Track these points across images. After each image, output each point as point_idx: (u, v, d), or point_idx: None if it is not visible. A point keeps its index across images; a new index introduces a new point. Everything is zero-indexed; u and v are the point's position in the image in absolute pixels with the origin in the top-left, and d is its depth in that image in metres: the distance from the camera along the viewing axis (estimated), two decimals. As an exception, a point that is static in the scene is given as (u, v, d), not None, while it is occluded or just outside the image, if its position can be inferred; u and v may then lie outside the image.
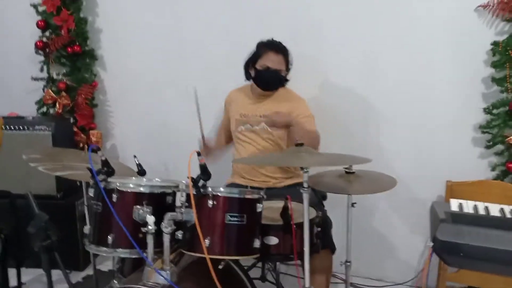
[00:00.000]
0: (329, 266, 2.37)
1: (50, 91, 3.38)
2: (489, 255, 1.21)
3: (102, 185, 1.78)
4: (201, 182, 1.72)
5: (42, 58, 3.42)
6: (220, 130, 2.93)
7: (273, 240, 1.90)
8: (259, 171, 2.58)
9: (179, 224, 1.75)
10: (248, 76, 2.63)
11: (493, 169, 2.63)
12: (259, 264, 2.56)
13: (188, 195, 1.77)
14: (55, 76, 3.44)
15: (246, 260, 2.10)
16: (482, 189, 2.49)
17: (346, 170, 2.05)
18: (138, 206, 1.79)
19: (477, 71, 2.60)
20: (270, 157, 2.30)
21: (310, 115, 2.57)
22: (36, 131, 3.00)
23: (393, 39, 2.75)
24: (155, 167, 2.19)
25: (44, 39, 3.36)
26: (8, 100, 3.57)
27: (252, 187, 2.46)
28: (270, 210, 2.01)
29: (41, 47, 3.35)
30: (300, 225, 1.89)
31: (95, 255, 2.52)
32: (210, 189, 1.74)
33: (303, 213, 1.98)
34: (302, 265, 1.96)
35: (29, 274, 2.87)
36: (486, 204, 1.49)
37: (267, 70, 2.50)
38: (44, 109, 3.46)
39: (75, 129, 3.35)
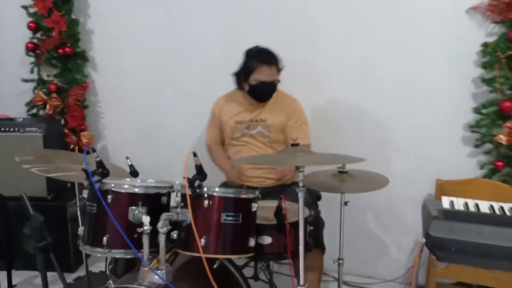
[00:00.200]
0: (320, 265, 2.41)
1: (40, 92, 3.37)
2: (480, 250, 1.24)
3: (97, 186, 1.78)
4: (197, 182, 1.73)
5: (32, 59, 3.40)
6: (213, 146, 2.79)
7: (267, 240, 1.92)
8: (254, 174, 2.59)
9: (174, 224, 1.77)
10: (240, 87, 2.61)
11: (482, 168, 2.67)
12: (252, 264, 2.58)
13: (183, 195, 1.78)
14: (45, 78, 3.43)
15: (238, 260, 2.11)
16: (471, 187, 2.54)
17: (340, 169, 2.08)
18: (134, 207, 1.80)
19: (467, 72, 2.64)
20: (267, 157, 2.32)
21: (305, 121, 2.63)
22: (27, 133, 2.98)
23: (387, 41, 2.79)
24: (146, 168, 2.20)
25: (35, 41, 3.35)
26: (-1, 102, 3.55)
27: (248, 187, 2.49)
28: (264, 209, 2.02)
29: (31, 48, 3.34)
30: (293, 224, 1.91)
31: (87, 256, 2.52)
32: (205, 189, 1.75)
33: (296, 212, 2.02)
34: (294, 264, 2.00)
35: (20, 276, 2.87)
36: (476, 201, 1.52)
37: (261, 84, 2.49)
38: (35, 110, 3.45)
39: (66, 130, 3.34)
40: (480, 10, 2.53)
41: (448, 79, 2.70)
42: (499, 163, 2.55)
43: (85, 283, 2.80)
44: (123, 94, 3.42)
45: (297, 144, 1.81)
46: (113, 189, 1.81)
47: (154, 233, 1.74)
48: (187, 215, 1.73)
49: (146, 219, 1.71)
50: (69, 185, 3.26)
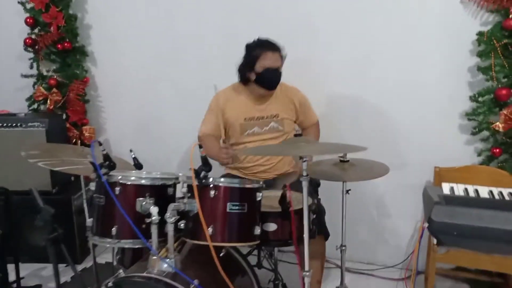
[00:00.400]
0: (323, 252, 2.47)
1: (41, 87, 3.39)
2: (481, 233, 1.29)
3: (105, 178, 1.82)
4: (202, 173, 1.77)
5: (31, 55, 3.42)
6: (209, 136, 2.66)
7: (272, 227, 1.97)
8: (258, 170, 2.62)
9: (181, 214, 1.81)
10: (245, 80, 2.58)
11: (479, 155, 2.71)
12: (255, 252, 2.63)
13: (189, 186, 1.82)
14: (44, 73, 3.45)
15: (242, 248, 2.15)
16: (469, 174, 2.58)
17: (341, 158, 2.12)
18: (141, 198, 1.84)
19: (464, 61, 2.67)
20: (272, 149, 2.36)
21: (309, 101, 2.72)
22: (30, 127, 3.00)
23: (383, 34, 2.81)
24: (147, 161, 2.24)
25: (33, 36, 3.36)
26: (-2, 97, 3.57)
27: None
28: (267, 199, 2.07)
29: (30, 44, 3.35)
30: (297, 212, 1.96)
31: (94, 246, 2.56)
32: (211, 179, 1.79)
33: (300, 200, 2.06)
34: (298, 250, 2.05)
35: (27, 269, 2.91)
36: (476, 187, 1.57)
37: (268, 70, 2.49)
38: (35, 105, 3.47)
39: (67, 125, 3.36)
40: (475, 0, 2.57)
41: (445, 68, 2.73)
42: (496, 150, 2.58)
43: (92, 274, 2.85)
44: (123, 88, 3.44)
45: (300, 134, 1.85)
46: (121, 181, 1.86)
47: (161, 223, 1.79)
48: (194, 205, 1.78)
49: (154, 210, 1.76)
50: (72, 178, 3.30)
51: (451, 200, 1.37)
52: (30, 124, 3.00)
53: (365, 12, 2.83)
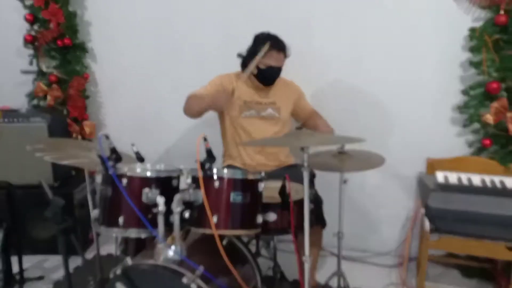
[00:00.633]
0: (320, 241, 2.56)
1: (41, 84, 3.42)
2: (475, 218, 1.37)
3: (113, 170, 1.88)
4: (207, 165, 1.84)
5: (30, 51, 3.45)
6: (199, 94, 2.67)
7: (272, 216, 2.04)
8: (258, 162, 2.69)
9: (186, 204, 1.88)
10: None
11: (470, 146, 2.81)
12: (253, 242, 2.70)
13: (193, 178, 1.89)
14: (44, 69, 3.48)
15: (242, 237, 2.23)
16: (460, 164, 2.66)
17: (339, 150, 2.20)
18: (147, 189, 1.91)
19: (456, 56, 2.76)
20: (274, 140, 2.45)
21: (304, 95, 2.82)
22: (32, 123, 3.05)
23: (378, 27, 2.88)
24: (147, 156, 2.29)
25: (33, 33, 3.40)
26: (-4, 94, 3.60)
27: None
28: (267, 190, 2.13)
29: (30, 40, 3.38)
30: (296, 202, 2.04)
31: (97, 235, 2.62)
32: (215, 171, 1.86)
33: (299, 191, 2.15)
34: (296, 239, 2.13)
35: (28, 261, 2.96)
36: (469, 175, 1.66)
37: (269, 68, 2.56)
38: (35, 101, 3.51)
39: (68, 120, 3.40)
40: (467, -5, 2.65)
41: (437, 63, 2.81)
42: (487, 141, 2.67)
43: (93, 266, 2.91)
44: (122, 84, 3.48)
45: (301, 128, 1.92)
46: (128, 173, 1.91)
47: (167, 213, 1.86)
48: (199, 196, 1.85)
49: (160, 200, 1.82)
50: (73, 172, 3.35)
51: (447, 187, 1.46)
52: (32, 119, 3.05)
53: (360, 7, 2.90)
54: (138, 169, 1.95)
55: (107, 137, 1.92)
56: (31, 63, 3.47)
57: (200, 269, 1.77)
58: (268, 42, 2.53)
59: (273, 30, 2.64)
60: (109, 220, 1.95)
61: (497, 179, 1.59)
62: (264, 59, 2.54)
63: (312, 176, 2.63)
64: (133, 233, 1.93)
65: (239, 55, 2.67)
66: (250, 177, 1.93)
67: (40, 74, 3.47)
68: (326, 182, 2.59)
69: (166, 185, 1.99)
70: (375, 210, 3.18)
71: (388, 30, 2.87)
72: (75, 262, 3.05)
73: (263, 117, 2.70)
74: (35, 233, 3.15)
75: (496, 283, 2.74)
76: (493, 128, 2.66)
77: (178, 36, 3.27)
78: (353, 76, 3.00)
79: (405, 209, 3.07)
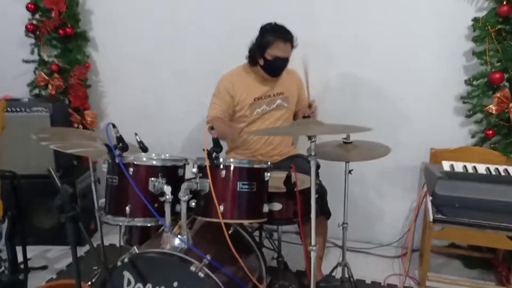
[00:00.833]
0: (325, 230, 2.57)
1: (42, 73, 3.41)
2: (480, 205, 1.39)
3: (119, 159, 1.89)
4: (214, 154, 1.85)
5: (32, 40, 3.43)
6: (218, 119, 2.64)
7: (277, 206, 2.06)
8: (264, 151, 2.70)
9: (192, 193, 1.89)
10: (253, 62, 2.64)
11: (473, 136, 2.82)
12: (256, 233, 2.72)
13: (200, 167, 1.90)
14: (46, 58, 3.46)
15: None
16: (463, 154, 2.69)
17: (344, 140, 2.21)
18: (153, 178, 1.92)
19: (459, 46, 2.76)
20: (281, 129, 2.46)
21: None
22: (34, 112, 3.05)
23: (382, 17, 2.88)
24: (148, 146, 2.30)
25: (34, 22, 3.37)
26: (-2, 83, 3.59)
27: None
28: (271, 180, 2.14)
29: (31, 30, 3.36)
30: (301, 192, 2.06)
31: (102, 224, 2.64)
32: (222, 160, 1.87)
33: (303, 181, 2.16)
34: (301, 229, 2.15)
35: (32, 251, 2.97)
36: (473, 164, 1.67)
37: (276, 59, 2.55)
38: (37, 91, 3.49)
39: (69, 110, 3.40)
40: (470, -14, 2.66)
41: (441, 53, 2.81)
42: (489, 131, 2.69)
43: (97, 256, 2.93)
44: (124, 73, 3.47)
45: (309, 117, 1.93)
46: (134, 162, 1.92)
47: (173, 202, 1.87)
48: (205, 185, 1.86)
49: (167, 189, 1.83)
50: (75, 162, 3.35)
51: (453, 175, 1.47)
52: (34, 109, 3.05)
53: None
54: (144, 158, 1.96)
55: (114, 126, 1.92)
56: (32, 52, 3.45)
57: (207, 257, 1.78)
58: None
59: (276, 20, 2.62)
60: (115, 209, 1.97)
61: (501, 168, 1.61)
62: (271, 49, 2.52)
63: (316, 167, 2.64)
64: (139, 222, 1.95)
65: (249, 51, 2.65)
66: (256, 166, 1.94)
67: (42, 63, 3.45)
68: (329, 173, 2.61)
69: (172, 174, 2.00)
70: (378, 200, 3.20)
71: (392, 21, 2.87)
72: (78, 251, 3.08)
73: (273, 109, 2.69)
74: (38, 223, 3.16)
75: (497, 272, 2.77)
76: (496, 118, 2.68)
77: (180, 25, 3.25)
78: (357, 67, 3.00)
79: (409, 199, 3.10)
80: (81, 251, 3.09)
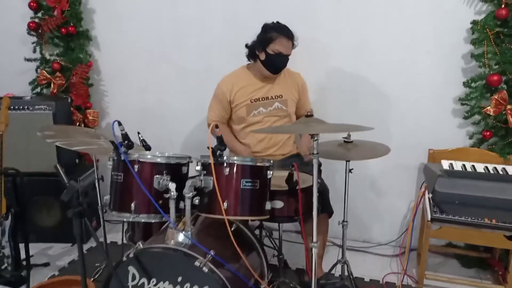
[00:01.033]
0: (326, 228, 2.60)
1: (44, 71, 3.43)
2: (479, 201, 1.43)
3: (126, 156, 1.92)
4: (218, 152, 1.88)
5: (34, 39, 3.45)
6: (221, 124, 2.78)
7: (279, 204, 2.09)
8: (265, 153, 2.73)
9: (196, 190, 1.92)
10: (253, 57, 2.68)
11: (470, 138, 2.85)
12: (256, 231, 2.75)
13: (203, 164, 1.93)
14: (48, 57, 3.48)
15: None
16: (461, 155, 2.70)
17: (345, 139, 2.25)
18: (158, 175, 1.95)
19: (458, 48, 2.80)
20: (285, 127, 2.51)
21: (307, 90, 2.84)
22: (37, 110, 3.07)
23: (381, 18, 2.91)
24: (151, 144, 2.33)
25: (37, 20, 3.39)
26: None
27: None
28: (273, 178, 2.18)
29: (34, 28, 3.38)
30: (303, 190, 2.09)
31: (105, 223, 2.67)
32: (225, 157, 1.91)
33: (305, 180, 2.20)
34: (302, 227, 2.18)
35: (34, 248, 2.99)
36: (472, 163, 1.71)
37: (278, 55, 2.58)
38: (38, 89, 3.51)
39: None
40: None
41: (440, 55, 2.85)
42: (487, 133, 2.72)
43: (97, 254, 2.96)
44: (126, 72, 3.49)
45: (312, 115, 1.97)
46: (139, 159, 1.95)
47: (177, 199, 1.90)
48: (209, 182, 1.89)
49: (172, 186, 1.87)
50: (77, 161, 3.38)
51: (453, 173, 1.51)
52: (37, 107, 3.06)
53: (363, 1, 2.92)
54: (149, 156, 2.00)
55: (119, 123, 1.95)
56: (34, 51, 3.46)
57: (211, 253, 1.81)
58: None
59: (276, 18, 2.66)
60: (120, 205, 2.00)
61: (499, 167, 1.66)
62: (274, 44, 2.56)
63: (318, 165, 2.67)
64: (144, 218, 1.98)
65: (247, 46, 2.69)
66: (259, 164, 1.97)
67: (44, 61, 3.47)
68: (329, 172, 2.64)
69: (176, 172, 2.03)
70: (376, 200, 3.23)
71: (392, 23, 2.90)
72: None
73: (270, 112, 2.71)
74: (39, 221, 3.18)
75: (494, 272, 2.81)
76: (493, 120, 2.71)
77: (182, 24, 3.28)
78: (356, 68, 3.03)
79: (407, 199, 3.13)
80: (83, 248, 3.10)
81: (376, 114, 3.05)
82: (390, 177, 3.14)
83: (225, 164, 1.90)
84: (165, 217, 1.89)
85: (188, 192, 1.84)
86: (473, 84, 2.74)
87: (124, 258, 1.84)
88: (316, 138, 1.78)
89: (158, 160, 1.99)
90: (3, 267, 2.61)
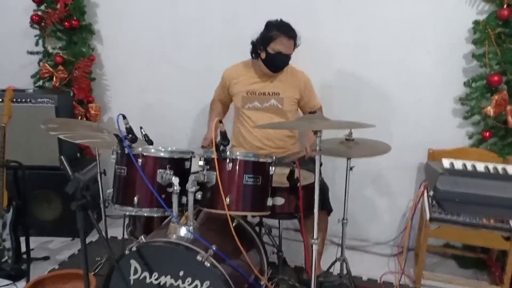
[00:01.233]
0: (326, 226, 2.62)
1: (46, 65, 3.43)
2: (480, 200, 1.45)
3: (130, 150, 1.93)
4: (221, 147, 1.90)
5: (36, 32, 3.45)
6: (215, 102, 2.95)
7: (280, 201, 2.09)
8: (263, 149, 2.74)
9: (199, 185, 1.94)
10: (255, 55, 2.70)
11: (470, 138, 2.87)
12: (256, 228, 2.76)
13: (206, 160, 1.95)
14: (50, 50, 3.48)
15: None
16: (461, 155, 2.73)
17: (346, 137, 2.26)
18: (161, 170, 1.97)
19: (459, 48, 2.81)
20: (288, 123, 2.52)
21: (313, 87, 2.83)
22: (39, 103, 3.07)
23: (382, 18, 2.92)
24: (152, 138, 2.35)
25: (40, 13, 3.39)
26: (2, 74, 3.60)
27: None
28: (274, 175, 2.19)
29: (36, 21, 3.38)
30: (303, 187, 2.11)
31: (106, 217, 2.68)
32: (228, 153, 1.92)
33: (306, 177, 2.21)
34: (302, 224, 2.20)
35: (34, 242, 3.00)
36: (473, 162, 1.73)
37: (279, 54, 2.59)
38: (40, 82, 3.52)
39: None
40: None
41: (441, 54, 2.86)
42: (487, 133, 2.75)
43: (98, 248, 2.97)
44: (128, 67, 3.49)
45: (315, 112, 1.98)
46: (143, 153, 1.97)
47: (180, 193, 1.92)
48: (212, 177, 1.91)
49: (175, 180, 1.89)
50: (78, 154, 3.39)
51: (454, 171, 1.53)
52: (39, 100, 3.07)
53: (365, 1, 2.93)
54: (153, 150, 2.01)
55: (124, 117, 1.97)
56: (36, 44, 3.47)
57: (213, 247, 1.83)
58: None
59: (277, 15, 2.67)
60: (123, 199, 2.01)
61: (499, 166, 1.67)
62: (274, 44, 2.57)
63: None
64: (146, 212, 2.00)
65: (252, 43, 2.70)
66: (262, 160, 1.99)
67: (46, 55, 3.48)
68: (329, 171, 2.65)
69: (179, 166, 2.05)
70: (375, 199, 3.24)
71: (394, 23, 2.91)
72: (78, 245, 3.12)
73: (266, 108, 2.72)
74: (39, 215, 3.19)
75: (491, 272, 2.84)
76: (493, 120, 2.73)
77: (184, 20, 3.28)
78: (357, 68, 3.04)
79: (406, 198, 3.14)
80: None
81: (376, 114, 3.05)
82: (390, 177, 3.15)
83: (228, 160, 1.92)
84: (167, 211, 1.90)
85: (191, 187, 1.86)
86: (473, 84, 2.75)
87: (127, 252, 1.85)
88: (319, 135, 1.79)
89: (162, 154, 2.01)
90: (3, 260, 2.63)
